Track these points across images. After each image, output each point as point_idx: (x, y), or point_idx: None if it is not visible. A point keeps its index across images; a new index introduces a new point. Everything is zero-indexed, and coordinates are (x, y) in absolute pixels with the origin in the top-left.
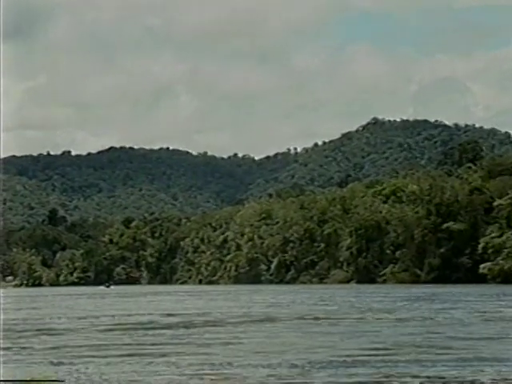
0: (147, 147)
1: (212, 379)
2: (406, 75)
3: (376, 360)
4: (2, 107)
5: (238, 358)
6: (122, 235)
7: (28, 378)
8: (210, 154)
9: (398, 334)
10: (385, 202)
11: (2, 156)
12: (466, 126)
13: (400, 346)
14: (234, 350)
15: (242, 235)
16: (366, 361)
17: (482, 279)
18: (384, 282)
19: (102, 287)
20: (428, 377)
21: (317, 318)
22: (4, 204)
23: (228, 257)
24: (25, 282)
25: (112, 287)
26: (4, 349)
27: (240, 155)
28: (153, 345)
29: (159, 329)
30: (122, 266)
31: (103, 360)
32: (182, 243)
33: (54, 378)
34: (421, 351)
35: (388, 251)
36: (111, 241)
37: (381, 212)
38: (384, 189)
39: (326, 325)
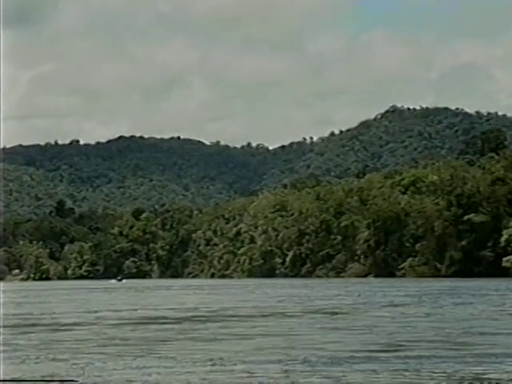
0: (158, 136)
1: None
2: (425, 62)
3: (392, 356)
4: (9, 95)
5: (247, 353)
6: (131, 227)
7: (38, 377)
8: (222, 143)
9: (415, 329)
10: (404, 193)
11: (9, 145)
12: (489, 113)
13: (417, 342)
14: (243, 345)
15: (256, 227)
16: (381, 357)
17: (504, 273)
18: (403, 275)
19: (113, 281)
20: (445, 372)
21: (332, 313)
22: (10, 195)
23: (241, 250)
24: (32, 275)
25: (124, 281)
26: (11, 345)
27: (254, 145)
28: (163, 340)
29: (171, 323)
30: (131, 259)
31: (111, 356)
32: (193, 235)
33: (68, 378)
34: (438, 347)
35: (407, 244)
36: (121, 233)
37: (400, 203)
38: (403, 179)
39: (341, 320)
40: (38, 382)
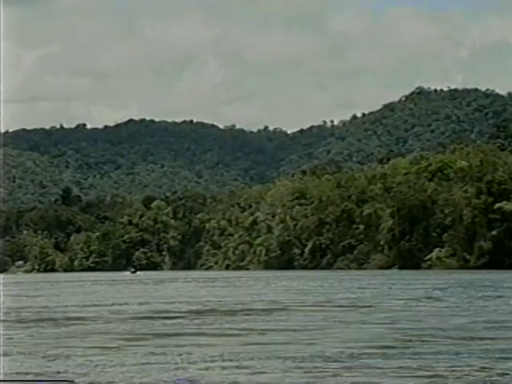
0: (169, 120)
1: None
2: (454, 40)
3: (408, 352)
4: (12, 77)
5: (260, 348)
6: (141, 216)
7: (35, 376)
8: (238, 127)
9: (436, 323)
10: (430, 180)
11: (12, 129)
12: None
13: (435, 337)
14: (258, 341)
15: (273, 216)
16: (397, 352)
17: None
18: (429, 267)
19: (127, 273)
20: (462, 368)
21: (353, 306)
22: (13, 182)
23: (258, 240)
24: (36, 266)
25: (138, 273)
26: (15, 341)
27: (271, 128)
28: (177, 336)
29: (185, 318)
30: (141, 249)
31: (124, 353)
32: (207, 225)
33: (63, 378)
34: (457, 342)
35: (434, 234)
36: (130, 222)
37: (426, 191)
38: (429, 165)
39: (361, 313)
40: (31, 382)
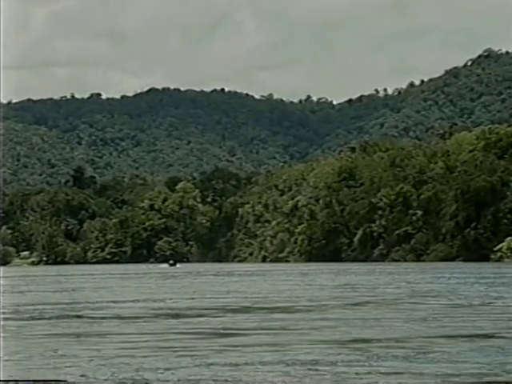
0: (197, 89)
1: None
2: None
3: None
4: (17, 39)
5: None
6: (165, 200)
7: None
8: (276, 97)
9: (494, 323)
10: (500, 158)
11: (16, 100)
12: None
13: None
14: (296, 340)
15: (317, 200)
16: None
17: None
18: (499, 259)
19: (164, 265)
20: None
21: (400, 303)
22: (18, 160)
23: (299, 228)
24: (44, 258)
25: (178, 265)
26: (35, 339)
27: (314, 99)
28: (208, 335)
29: (214, 316)
30: (165, 238)
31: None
32: (240, 210)
33: (55, 378)
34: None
35: (505, 220)
36: (152, 207)
37: (495, 170)
38: (499, 140)
39: (409, 310)
40: (20, 381)
